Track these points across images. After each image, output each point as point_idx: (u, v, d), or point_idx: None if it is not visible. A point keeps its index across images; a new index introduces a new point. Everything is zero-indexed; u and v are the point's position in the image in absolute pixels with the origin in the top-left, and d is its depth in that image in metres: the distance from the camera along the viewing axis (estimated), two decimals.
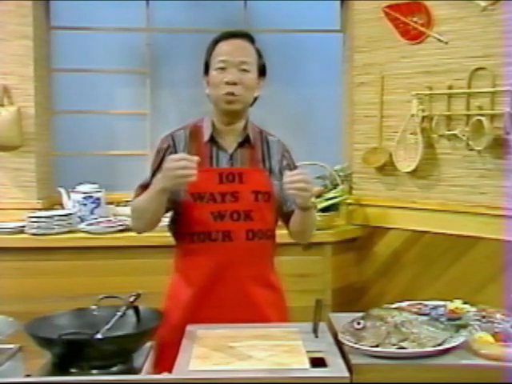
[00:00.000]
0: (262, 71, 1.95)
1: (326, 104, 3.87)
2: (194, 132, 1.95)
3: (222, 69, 1.87)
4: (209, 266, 1.88)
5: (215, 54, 1.90)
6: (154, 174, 1.90)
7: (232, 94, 1.86)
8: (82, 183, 3.47)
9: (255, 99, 1.96)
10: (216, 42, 1.92)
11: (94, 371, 1.48)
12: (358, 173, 3.57)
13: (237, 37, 1.91)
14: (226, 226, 1.87)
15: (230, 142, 1.94)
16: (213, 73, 1.89)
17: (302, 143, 3.84)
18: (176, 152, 1.90)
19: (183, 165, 1.68)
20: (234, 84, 1.85)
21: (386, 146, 3.41)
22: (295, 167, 2.00)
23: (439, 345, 1.47)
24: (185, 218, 1.89)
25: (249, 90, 1.89)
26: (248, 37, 1.93)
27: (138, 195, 1.91)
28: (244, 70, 1.87)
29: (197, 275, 1.90)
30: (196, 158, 1.70)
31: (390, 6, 3.36)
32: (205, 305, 1.88)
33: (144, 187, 1.89)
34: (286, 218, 1.99)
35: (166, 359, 1.61)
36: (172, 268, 2.02)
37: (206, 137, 1.92)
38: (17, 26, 3.40)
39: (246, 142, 1.94)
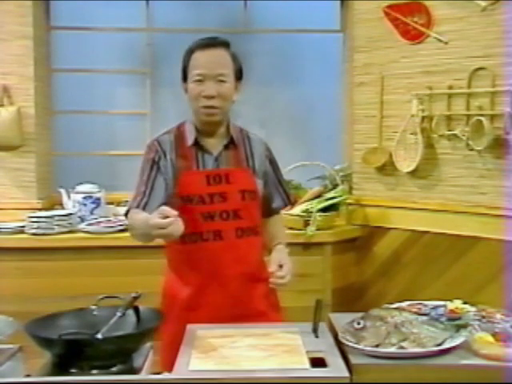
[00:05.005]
0: (238, 75, 1.98)
1: (326, 104, 3.87)
2: (178, 136, 1.99)
3: (200, 81, 1.90)
4: (202, 266, 1.93)
5: (192, 66, 1.92)
6: (146, 183, 1.92)
7: (211, 106, 1.90)
8: (82, 183, 3.47)
9: (233, 102, 2.00)
10: (192, 51, 1.93)
11: (94, 371, 1.48)
12: (358, 173, 3.57)
13: (212, 46, 1.92)
14: (217, 226, 1.92)
15: (214, 145, 1.98)
16: (191, 85, 1.92)
17: (302, 143, 3.85)
18: (165, 156, 1.94)
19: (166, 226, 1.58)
20: (212, 97, 1.90)
21: (386, 146, 3.40)
22: (277, 166, 2.12)
23: (439, 345, 1.47)
24: None
25: (227, 100, 1.94)
26: (223, 44, 1.94)
27: (134, 206, 1.90)
28: (221, 81, 1.90)
29: (191, 275, 1.95)
30: (175, 213, 1.60)
31: (390, 6, 3.36)
32: (201, 304, 1.92)
33: (139, 193, 1.91)
34: (268, 214, 2.11)
35: (169, 359, 1.62)
36: (164, 268, 2.05)
37: (190, 141, 1.96)
38: (17, 26, 3.40)
39: (230, 144, 2.00)
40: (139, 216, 1.83)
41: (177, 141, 1.98)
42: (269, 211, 2.11)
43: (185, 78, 1.96)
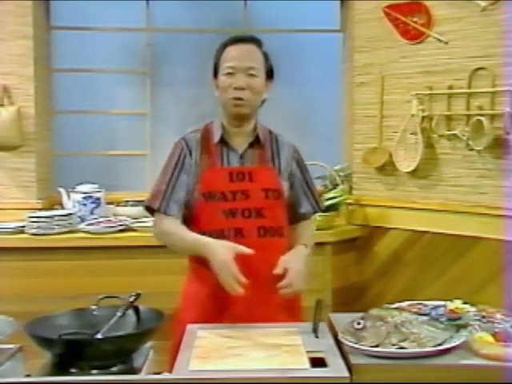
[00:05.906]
0: (269, 74, 1.99)
1: (326, 104, 3.87)
2: (205, 134, 1.99)
3: (231, 74, 1.91)
4: None
5: (224, 59, 1.93)
6: (168, 182, 1.92)
7: (240, 98, 1.90)
8: (82, 183, 3.47)
9: (263, 101, 2.00)
10: (224, 46, 1.95)
11: (94, 371, 1.49)
12: (358, 173, 3.57)
13: (245, 42, 1.95)
14: (238, 224, 1.89)
15: (239, 143, 1.98)
16: (221, 78, 1.93)
17: (302, 143, 3.78)
18: (190, 154, 1.94)
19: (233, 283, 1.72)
20: (242, 89, 1.90)
21: (386, 146, 3.40)
22: (306, 169, 2.08)
23: (439, 345, 1.47)
24: (197, 217, 1.91)
25: (256, 94, 1.93)
26: (256, 41, 1.96)
27: (156, 207, 1.91)
28: (252, 75, 1.91)
29: (210, 275, 1.89)
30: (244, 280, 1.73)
31: (390, 6, 3.36)
32: (220, 304, 1.87)
33: (160, 192, 1.91)
34: (296, 219, 2.05)
35: None
36: (185, 268, 2.03)
37: (217, 138, 1.96)
38: (17, 26, 3.40)
39: (255, 143, 1.99)
40: (182, 232, 1.88)
41: (203, 139, 1.98)
42: (296, 216, 2.05)
43: (215, 74, 1.97)
